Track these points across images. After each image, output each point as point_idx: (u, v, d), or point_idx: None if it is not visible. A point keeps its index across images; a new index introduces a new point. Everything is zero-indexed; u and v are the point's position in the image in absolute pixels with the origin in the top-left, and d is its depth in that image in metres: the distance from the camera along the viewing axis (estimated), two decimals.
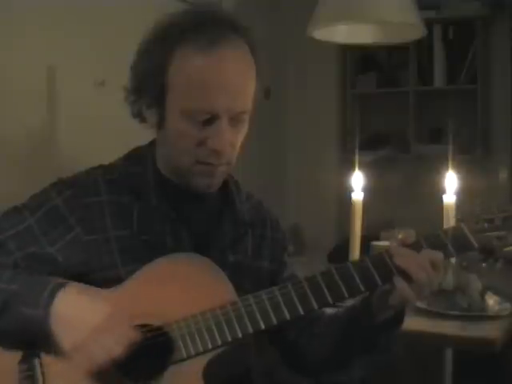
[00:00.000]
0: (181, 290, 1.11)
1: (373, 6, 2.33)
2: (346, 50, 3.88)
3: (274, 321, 1.09)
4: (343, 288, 1.10)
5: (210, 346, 1.07)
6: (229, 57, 1.11)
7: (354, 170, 1.97)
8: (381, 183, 2.95)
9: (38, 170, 2.14)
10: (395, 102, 3.91)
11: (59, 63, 2.30)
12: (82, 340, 1.02)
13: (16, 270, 1.11)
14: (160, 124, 1.17)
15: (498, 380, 2.52)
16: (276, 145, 3.96)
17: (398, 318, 1.16)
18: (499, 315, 1.87)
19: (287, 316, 1.09)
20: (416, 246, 1.11)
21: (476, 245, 1.13)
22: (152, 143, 1.25)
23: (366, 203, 1.93)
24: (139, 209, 1.19)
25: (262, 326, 1.08)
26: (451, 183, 1.89)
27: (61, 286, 1.06)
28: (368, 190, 1.95)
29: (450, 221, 1.84)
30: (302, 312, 1.09)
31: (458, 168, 1.92)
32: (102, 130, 2.42)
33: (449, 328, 1.80)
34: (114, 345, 1.02)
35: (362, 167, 1.99)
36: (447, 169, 1.91)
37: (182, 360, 1.07)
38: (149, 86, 1.15)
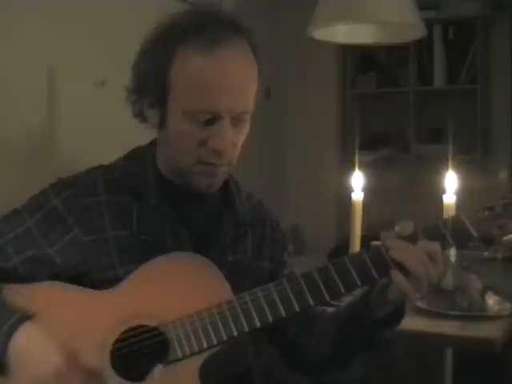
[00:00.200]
0: (177, 290, 1.10)
1: (373, 6, 2.34)
2: (346, 49, 3.88)
3: (270, 318, 1.08)
4: (340, 283, 1.08)
5: (205, 346, 1.07)
6: (231, 57, 1.11)
7: (354, 170, 1.97)
8: (381, 183, 2.95)
9: (38, 170, 2.14)
10: (395, 102, 3.91)
11: (59, 63, 2.30)
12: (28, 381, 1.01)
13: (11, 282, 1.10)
14: (161, 124, 1.17)
15: (498, 380, 2.52)
16: (276, 145, 3.96)
17: (398, 313, 1.15)
18: (499, 315, 1.87)
19: (283, 313, 1.08)
20: (413, 238, 1.09)
21: (475, 234, 1.10)
22: (152, 143, 1.25)
23: (366, 203, 1.93)
24: (139, 209, 1.19)
25: (258, 324, 1.08)
26: (451, 183, 1.89)
27: (24, 320, 1.05)
28: (368, 190, 1.95)
29: None
30: (297, 309, 1.08)
31: (458, 168, 1.92)
32: (102, 129, 2.42)
33: (449, 328, 1.80)
34: None
35: (362, 167, 1.99)
36: (447, 169, 1.91)
37: (178, 360, 1.07)
38: (150, 86, 1.15)
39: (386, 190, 3.38)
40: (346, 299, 1.27)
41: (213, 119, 1.12)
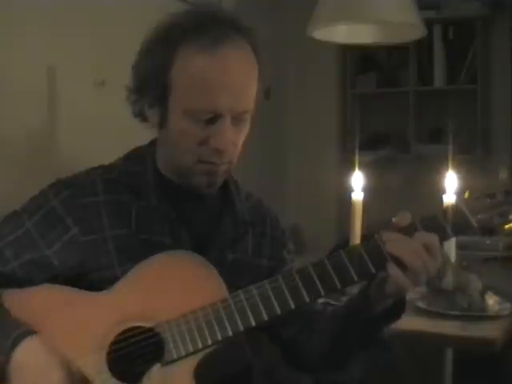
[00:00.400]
0: (173, 289, 1.10)
1: (373, 6, 2.34)
2: (346, 49, 3.88)
3: (265, 317, 1.07)
4: (335, 278, 1.07)
5: (200, 346, 1.06)
6: (231, 56, 1.12)
7: (354, 170, 1.97)
8: (381, 183, 2.95)
9: (37, 170, 2.14)
10: (395, 102, 3.91)
11: (59, 63, 2.30)
12: None
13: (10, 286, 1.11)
14: (162, 123, 1.18)
15: (498, 380, 2.52)
16: (276, 145, 3.96)
17: (398, 307, 1.14)
18: (499, 315, 1.87)
19: (278, 311, 1.07)
20: (410, 229, 1.07)
21: (476, 225, 1.07)
22: (152, 143, 1.26)
23: (366, 203, 1.93)
24: (138, 208, 1.19)
25: (253, 323, 1.07)
26: (451, 183, 1.89)
27: (26, 335, 1.05)
28: (368, 190, 1.95)
29: None
30: (292, 306, 1.07)
31: (458, 168, 1.92)
32: (102, 130, 2.42)
33: (449, 328, 1.79)
34: None
35: (362, 167, 1.99)
36: (447, 169, 1.91)
37: (173, 361, 1.07)
38: (151, 86, 1.15)
39: (386, 190, 3.38)
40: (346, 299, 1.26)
41: (214, 118, 1.12)
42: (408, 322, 1.20)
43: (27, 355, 1.03)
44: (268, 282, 1.09)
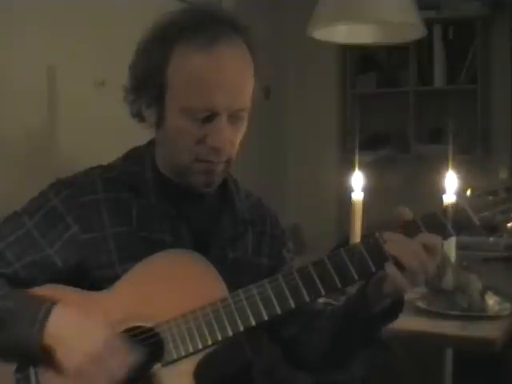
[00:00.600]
0: (172, 288, 1.10)
1: (373, 6, 2.34)
2: (346, 49, 3.88)
3: (265, 316, 1.07)
4: (336, 277, 1.06)
5: (200, 346, 1.06)
6: (227, 55, 1.12)
7: (354, 170, 1.96)
8: (381, 183, 2.95)
9: (37, 170, 2.14)
10: (395, 102, 3.91)
11: (59, 63, 2.30)
12: (81, 363, 1.02)
13: (12, 287, 1.10)
14: (159, 123, 1.18)
15: (498, 380, 2.52)
16: (276, 145, 3.96)
17: (396, 306, 1.14)
18: (499, 315, 1.87)
19: (278, 310, 1.07)
20: (413, 230, 1.06)
21: (477, 222, 1.06)
22: (150, 143, 1.26)
23: (366, 203, 1.92)
24: (138, 206, 1.19)
25: (253, 323, 1.07)
26: (451, 183, 1.89)
27: (55, 305, 1.06)
28: (368, 190, 1.94)
29: None
30: (292, 305, 1.07)
31: (458, 168, 1.92)
32: (102, 129, 2.42)
33: (449, 328, 1.79)
34: (117, 369, 1.02)
35: (362, 167, 1.98)
36: (447, 169, 1.91)
37: (173, 361, 1.07)
38: (148, 86, 1.15)
39: (386, 190, 3.38)
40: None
41: (210, 117, 1.12)
42: (408, 322, 1.20)
43: (63, 323, 1.04)
44: (268, 281, 1.08)
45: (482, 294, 1.91)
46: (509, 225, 1.07)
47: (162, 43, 1.13)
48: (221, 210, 1.26)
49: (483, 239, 2.78)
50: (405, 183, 3.71)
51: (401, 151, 3.88)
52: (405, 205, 1.10)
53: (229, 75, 1.12)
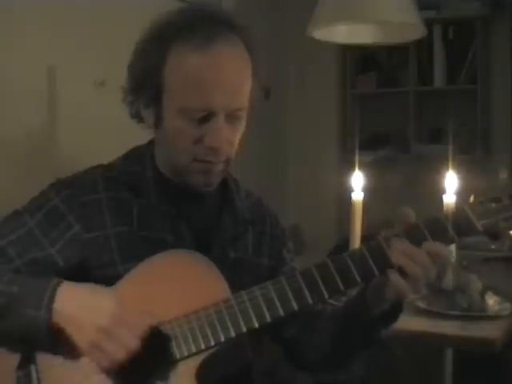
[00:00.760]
0: (175, 288, 1.10)
1: (373, 6, 2.33)
2: (346, 50, 3.88)
3: (268, 318, 1.07)
4: (339, 280, 1.06)
5: (202, 347, 1.06)
6: (224, 54, 1.12)
7: (354, 170, 1.96)
8: (381, 183, 2.95)
9: (37, 170, 2.14)
10: (395, 102, 3.91)
11: (59, 63, 2.30)
12: (92, 338, 1.02)
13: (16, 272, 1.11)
14: (157, 123, 1.18)
15: (498, 380, 2.52)
16: (276, 145, 3.96)
17: (396, 309, 1.14)
18: (499, 315, 1.87)
19: (281, 312, 1.07)
20: (417, 235, 1.06)
21: (481, 229, 1.07)
22: (151, 143, 1.26)
23: (366, 203, 1.92)
24: (139, 205, 1.19)
25: (256, 324, 1.07)
26: (451, 183, 1.89)
27: (61, 284, 1.06)
28: (368, 190, 1.94)
29: None
30: (296, 307, 1.07)
31: (458, 168, 1.92)
32: (102, 129, 2.42)
33: (449, 328, 1.79)
34: (130, 338, 1.02)
35: (362, 167, 1.98)
36: (447, 169, 1.91)
37: (176, 361, 1.06)
38: (145, 86, 1.15)
39: (386, 190, 3.38)
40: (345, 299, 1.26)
41: (207, 116, 1.12)
42: (408, 322, 1.20)
43: (72, 298, 1.04)
44: (271, 283, 1.08)
45: (482, 294, 1.91)
46: (511, 232, 1.08)
47: (159, 43, 1.13)
48: (221, 209, 1.26)
49: (484, 240, 2.77)
50: (405, 183, 3.71)
51: (401, 151, 3.88)
52: (405, 205, 1.10)
53: (226, 74, 1.12)
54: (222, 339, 1.06)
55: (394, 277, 1.05)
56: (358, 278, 1.07)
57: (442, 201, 1.90)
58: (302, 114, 4.03)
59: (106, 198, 1.18)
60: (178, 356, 1.06)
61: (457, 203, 1.87)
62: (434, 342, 1.87)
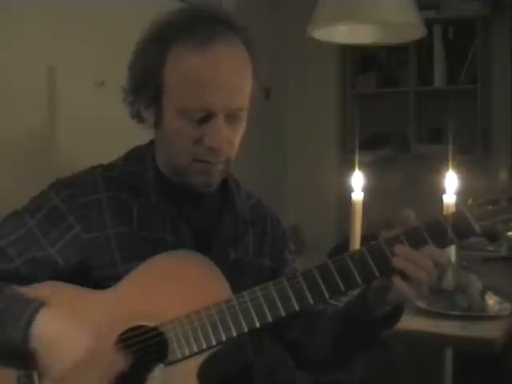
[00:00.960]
0: (176, 288, 1.10)
1: (373, 6, 2.33)
2: (346, 50, 3.88)
3: (269, 318, 1.07)
4: (340, 281, 1.07)
5: (204, 346, 1.06)
6: (224, 54, 1.12)
7: (354, 170, 1.96)
8: (381, 183, 2.95)
9: (37, 170, 2.14)
10: (395, 102, 3.91)
11: (59, 63, 2.30)
12: (62, 370, 1.01)
13: (3, 285, 1.10)
14: (157, 124, 1.18)
15: (498, 380, 2.52)
16: (276, 145, 3.96)
17: (397, 311, 1.15)
18: (499, 315, 1.87)
19: (282, 313, 1.07)
20: (419, 239, 1.07)
21: (479, 231, 1.07)
22: (151, 143, 1.26)
23: (366, 203, 1.92)
24: (139, 206, 1.19)
25: (257, 324, 1.07)
26: (451, 183, 1.89)
27: (42, 306, 1.05)
28: (368, 190, 1.95)
29: None
30: (297, 308, 1.07)
31: (458, 168, 1.92)
32: (102, 129, 2.42)
33: (449, 328, 1.79)
34: (98, 379, 1.01)
35: (362, 167, 1.98)
36: (447, 169, 1.91)
37: (177, 361, 1.06)
38: (146, 86, 1.15)
39: (386, 190, 3.38)
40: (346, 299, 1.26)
41: (207, 117, 1.12)
42: (408, 322, 1.20)
43: (48, 326, 1.03)
44: (272, 283, 1.09)
45: (482, 294, 1.91)
46: (509, 233, 1.08)
47: (158, 43, 1.13)
48: (221, 209, 1.26)
49: (482, 241, 2.77)
50: (405, 183, 3.71)
51: (401, 151, 3.88)
52: (405, 205, 1.11)
53: (225, 74, 1.12)
54: (224, 339, 1.06)
55: (398, 282, 1.05)
56: (358, 279, 1.07)
57: (441, 201, 1.90)
58: (302, 114, 4.03)
59: (106, 199, 1.18)
60: (179, 356, 1.06)
61: (457, 203, 1.87)
62: (433, 341, 1.87)
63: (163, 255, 1.12)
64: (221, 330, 1.06)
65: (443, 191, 1.90)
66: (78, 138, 2.37)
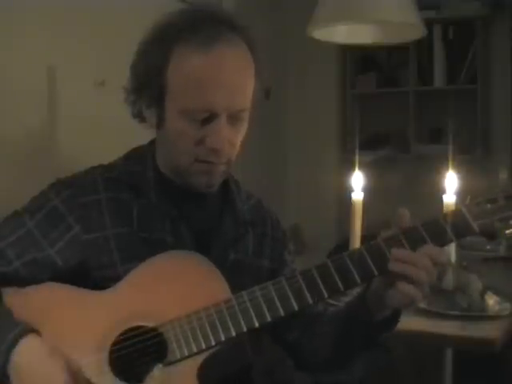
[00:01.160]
0: (176, 289, 1.10)
1: (373, 6, 2.33)
2: (346, 50, 3.88)
3: (268, 318, 1.07)
4: (338, 281, 1.07)
5: (203, 347, 1.06)
6: (226, 55, 1.12)
7: (354, 170, 1.96)
8: (381, 183, 2.95)
9: (37, 170, 2.14)
10: (395, 102, 3.91)
11: (59, 63, 2.30)
12: None
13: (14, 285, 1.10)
14: (159, 124, 1.18)
15: (498, 380, 2.52)
16: (276, 145, 3.96)
17: (396, 314, 1.14)
18: (499, 315, 1.87)
19: (281, 312, 1.07)
20: (417, 238, 1.07)
21: (477, 229, 1.08)
22: (152, 143, 1.26)
23: (366, 203, 1.92)
24: (139, 206, 1.19)
25: (256, 324, 1.07)
26: (451, 183, 1.89)
27: (27, 332, 1.04)
28: (368, 190, 1.95)
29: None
30: (296, 307, 1.07)
31: (458, 168, 1.92)
32: (102, 129, 2.42)
33: (449, 328, 1.79)
34: None
35: (362, 167, 1.98)
36: (447, 169, 1.91)
37: (177, 361, 1.06)
38: (148, 87, 1.15)
39: (386, 190, 3.38)
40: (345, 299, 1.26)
41: (209, 118, 1.12)
42: (408, 322, 1.20)
43: (26, 356, 1.03)
44: (272, 283, 1.08)
45: (482, 294, 1.91)
46: (507, 231, 1.09)
47: (161, 44, 1.13)
48: (222, 210, 1.26)
49: (480, 240, 2.77)
50: (405, 183, 3.71)
51: (401, 151, 3.88)
52: (405, 205, 1.11)
53: (228, 75, 1.11)
54: (223, 339, 1.06)
55: (402, 285, 1.05)
56: (357, 278, 1.07)
57: (441, 201, 1.90)
58: (302, 114, 4.03)
59: (106, 199, 1.18)
60: (178, 356, 1.06)
61: (457, 203, 1.87)
62: (433, 342, 1.87)
63: (162, 255, 1.12)
64: (220, 330, 1.06)
65: (443, 191, 1.90)
66: (78, 138, 2.37)
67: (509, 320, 1.84)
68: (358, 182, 1.93)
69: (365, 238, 1.93)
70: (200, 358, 1.07)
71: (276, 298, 1.07)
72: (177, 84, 1.12)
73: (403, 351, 2.33)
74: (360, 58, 3.98)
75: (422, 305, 1.88)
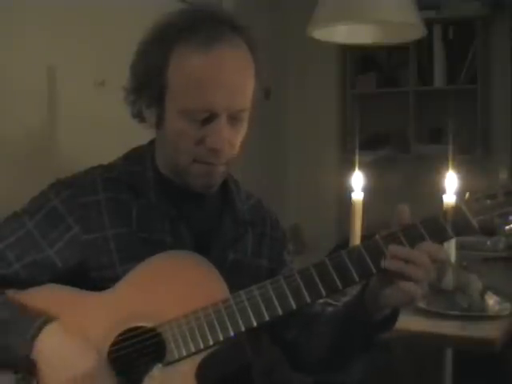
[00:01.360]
0: (174, 289, 1.10)
1: (373, 6, 2.33)
2: (346, 50, 3.88)
3: (266, 317, 1.07)
4: (337, 279, 1.06)
5: (201, 346, 1.06)
6: (226, 55, 1.11)
7: (354, 170, 1.96)
8: (381, 183, 2.95)
9: (37, 170, 2.14)
10: (395, 102, 3.91)
11: (59, 63, 2.30)
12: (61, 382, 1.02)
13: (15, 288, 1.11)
14: (159, 124, 1.18)
15: (498, 380, 2.52)
16: (276, 145, 3.96)
17: (394, 314, 1.14)
18: (499, 315, 1.87)
19: (279, 311, 1.07)
20: (415, 235, 1.06)
21: (476, 226, 1.07)
22: (152, 143, 1.26)
23: (366, 203, 1.92)
24: (138, 207, 1.18)
25: (254, 323, 1.07)
26: (451, 183, 1.89)
27: (50, 320, 1.06)
28: (368, 190, 1.94)
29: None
30: (294, 306, 1.07)
31: (458, 168, 1.92)
32: (102, 129, 2.42)
33: (449, 328, 1.79)
34: None
35: (362, 167, 1.98)
36: (447, 169, 1.91)
37: (175, 361, 1.06)
38: (148, 86, 1.15)
39: (386, 190, 3.37)
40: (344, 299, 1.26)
41: (209, 118, 1.12)
42: (407, 322, 1.20)
43: (52, 342, 1.04)
44: (269, 282, 1.08)
45: (482, 294, 1.91)
46: (506, 228, 1.08)
47: (161, 44, 1.13)
48: (222, 210, 1.26)
49: (483, 239, 2.78)
50: (405, 183, 3.71)
51: (401, 151, 3.88)
52: (404, 204, 1.10)
53: (228, 75, 1.11)
54: (221, 338, 1.06)
55: (403, 284, 1.04)
56: (355, 276, 1.07)
57: (442, 201, 1.90)
58: (302, 114, 4.03)
59: (105, 199, 1.18)
60: (177, 356, 1.06)
61: (457, 203, 1.86)
62: (433, 341, 1.87)
63: (161, 256, 1.12)
64: (218, 330, 1.06)
65: (443, 191, 1.90)
66: (78, 138, 2.37)
67: (509, 320, 1.85)
68: (357, 182, 1.93)
69: (365, 238, 1.92)
70: (198, 358, 1.07)
71: (274, 297, 1.07)
72: (177, 84, 1.12)
73: (403, 351, 2.33)
74: (360, 58, 3.98)
75: (422, 305, 1.88)
